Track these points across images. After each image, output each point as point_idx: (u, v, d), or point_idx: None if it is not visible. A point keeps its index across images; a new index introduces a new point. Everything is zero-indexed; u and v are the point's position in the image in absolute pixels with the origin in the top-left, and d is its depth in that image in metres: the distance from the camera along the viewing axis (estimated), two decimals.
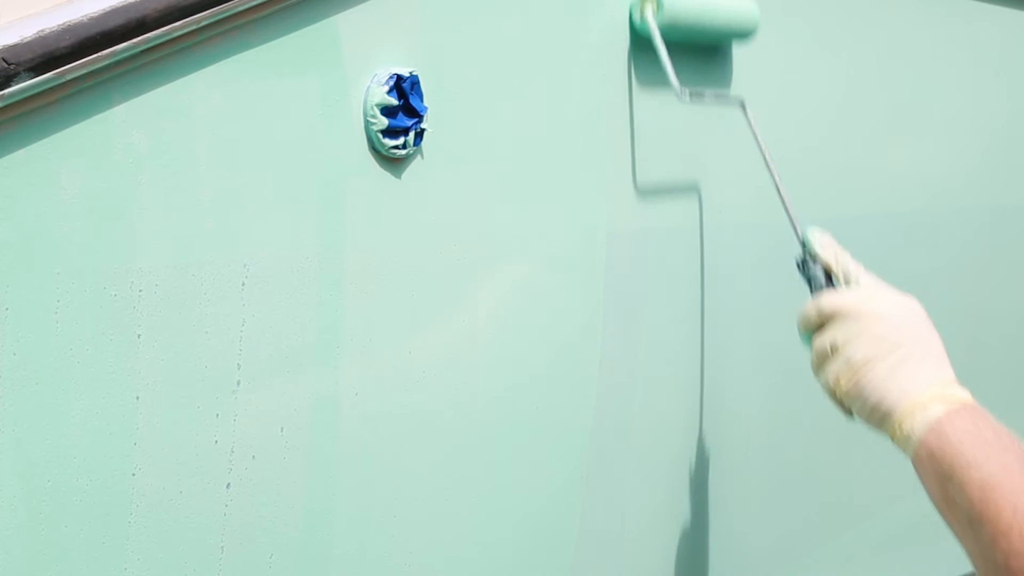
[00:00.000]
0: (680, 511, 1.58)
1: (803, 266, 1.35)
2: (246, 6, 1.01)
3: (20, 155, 0.90)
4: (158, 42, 0.95)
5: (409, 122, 1.14)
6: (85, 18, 0.90)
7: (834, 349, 1.25)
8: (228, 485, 1.06)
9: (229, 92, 1.02)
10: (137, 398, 0.99)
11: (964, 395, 1.20)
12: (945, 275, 1.98)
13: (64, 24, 0.89)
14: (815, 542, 1.85)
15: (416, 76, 1.14)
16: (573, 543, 1.42)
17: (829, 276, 1.33)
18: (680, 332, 1.52)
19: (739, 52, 1.53)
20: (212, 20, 0.99)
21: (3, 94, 0.86)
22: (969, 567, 1.14)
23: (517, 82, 1.26)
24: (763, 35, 1.55)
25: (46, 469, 0.94)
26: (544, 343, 1.34)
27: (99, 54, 0.91)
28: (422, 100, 1.15)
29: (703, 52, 1.48)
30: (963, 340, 2.06)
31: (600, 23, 1.34)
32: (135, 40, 0.93)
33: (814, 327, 1.29)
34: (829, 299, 1.27)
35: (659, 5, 1.35)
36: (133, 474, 0.99)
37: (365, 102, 1.12)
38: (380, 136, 1.12)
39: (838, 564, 1.90)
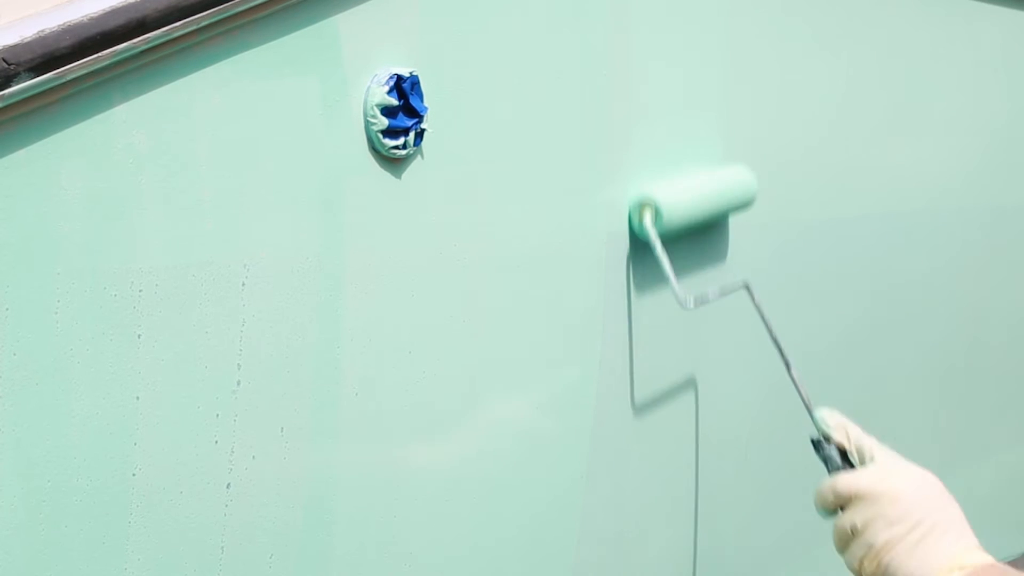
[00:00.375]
0: (681, 510, 1.58)
1: (818, 447, 1.36)
2: (246, 6, 1.01)
3: (20, 155, 0.90)
4: (158, 42, 0.95)
5: (409, 122, 1.14)
6: (85, 18, 0.90)
7: (855, 532, 1.26)
8: (228, 485, 1.06)
9: (229, 92, 1.02)
10: (137, 398, 0.99)
11: (986, 558, 1.21)
12: (945, 275, 1.98)
13: (64, 24, 0.89)
14: (817, 540, 1.85)
15: (416, 76, 1.14)
16: (574, 543, 1.42)
17: (844, 454, 1.34)
18: (680, 331, 1.52)
19: (738, 53, 1.53)
20: (212, 20, 0.98)
21: (3, 94, 0.86)
22: None
23: (517, 82, 1.26)
24: (763, 34, 1.55)
25: (46, 469, 0.94)
26: (544, 343, 1.33)
27: (99, 54, 0.91)
28: (422, 100, 1.15)
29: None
30: (963, 340, 2.06)
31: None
32: (135, 40, 0.93)
33: (832, 508, 1.30)
34: (844, 481, 1.28)
35: (657, 214, 1.36)
36: (133, 474, 0.99)
37: (365, 102, 1.12)
38: (380, 136, 1.12)
39: (841, 563, 1.89)
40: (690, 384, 1.55)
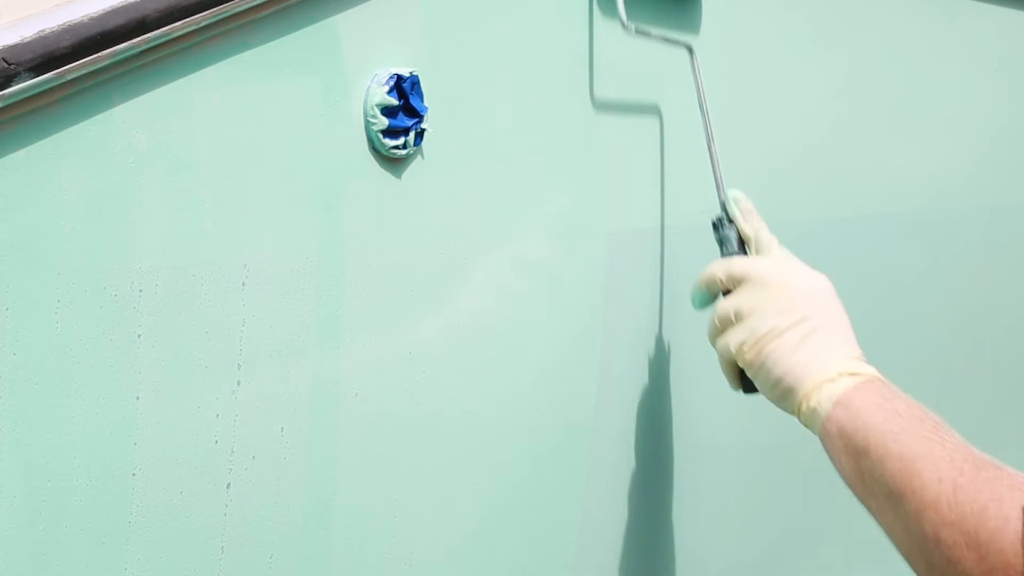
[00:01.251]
0: (678, 510, 1.58)
1: (719, 227, 1.33)
2: (246, 6, 1.01)
3: (20, 155, 0.90)
4: (158, 42, 0.96)
5: (409, 122, 1.14)
6: (85, 18, 0.90)
7: (738, 316, 1.23)
8: (228, 485, 1.06)
9: (229, 92, 1.02)
10: (137, 398, 0.99)
11: (871, 370, 1.18)
12: (944, 276, 1.98)
13: (64, 24, 0.89)
14: (817, 541, 1.85)
15: (416, 76, 1.14)
16: (575, 544, 1.42)
17: (743, 243, 1.31)
18: (680, 332, 1.52)
19: (739, 50, 1.53)
20: (212, 20, 0.99)
21: (3, 94, 0.86)
22: None
23: (518, 82, 1.26)
24: (763, 33, 1.56)
25: (46, 469, 0.94)
26: (544, 343, 1.33)
27: (99, 54, 0.91)
28: (422, 100, 1.15)
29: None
30: (962, 341, 2.06)
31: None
32: (135, 40, 0.93)
33: (717, 290, 1.27)
34: (739, 263, 1.25)
35: None
36: (133, 474, 0.99)
37: (365, 102, 1.12)
38: (380, 136, 1.13)
39: (843, 563, 1.90)
40: (691, 385, 1.55)
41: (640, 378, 1.47)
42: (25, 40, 0.87)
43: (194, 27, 0.98)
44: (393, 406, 1.19)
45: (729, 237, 1.32)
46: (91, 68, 0.91)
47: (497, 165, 1.25)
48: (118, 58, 0.93)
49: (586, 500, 1.42)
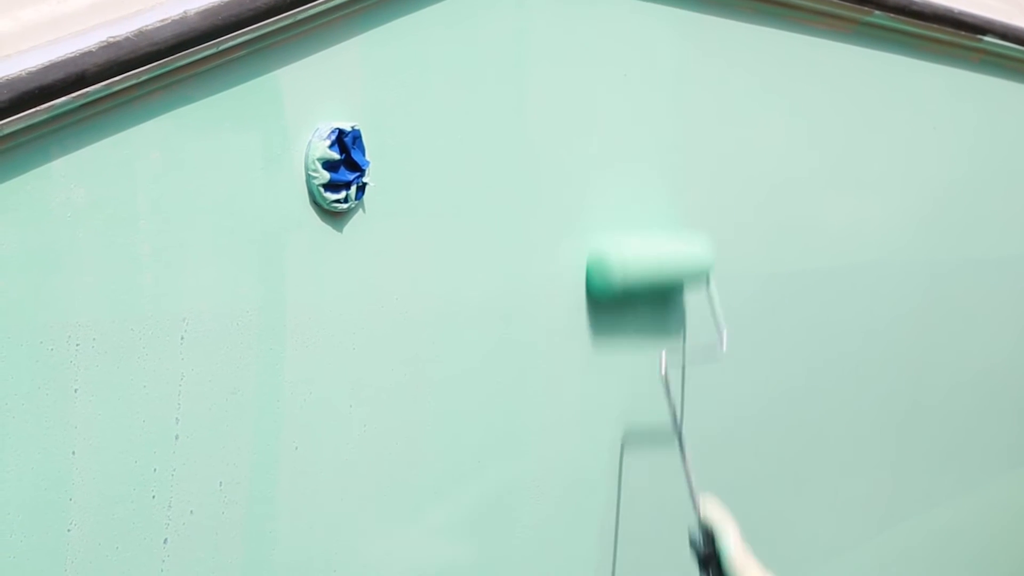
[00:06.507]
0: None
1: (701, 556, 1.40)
2: (187, 61, 1.01)
3: None
4: (98, 96, 0.95)
5: (350, 176, 1.14)
6: (23, 72, 0.90)
7: None
8: (165, 540, 1.05)
9: (169, 146, 1.02)
10: (73, 453, 0.98)
11: None
12: (885, 329, 1.99)
13: (2, 78, 0.89)
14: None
15: (358, 131, 1.15)
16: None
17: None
18: (634, 377, 1.53)
19: (683, 107, 1.55)
20: (152, 75, 0.99)
21: None
22: None
23: (460, 137, 1.26)
24: (708, 89, 1.57)
25: None
26: (482, 397, 1.33)
27: (37, 108, 0.91)
28: (364, 154, 1.15)
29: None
30: (903, 392, 2.08)
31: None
32: (74, 94, 0.93)
33: None
34: None
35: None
36: (68, 530, 0.98)
37: (307, 156, 1.12)
38: (321, 190, 1.13)
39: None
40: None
41: (572, 440, 1.47)
42: None
43: (134, 81, 0.98)
44: (333, 461, 1.18)
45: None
46: (29, 122, 0.91)
47: (439, 219, 1.25)
48: (56, 112, 0.93)
49: (524, 554, 1.42)
